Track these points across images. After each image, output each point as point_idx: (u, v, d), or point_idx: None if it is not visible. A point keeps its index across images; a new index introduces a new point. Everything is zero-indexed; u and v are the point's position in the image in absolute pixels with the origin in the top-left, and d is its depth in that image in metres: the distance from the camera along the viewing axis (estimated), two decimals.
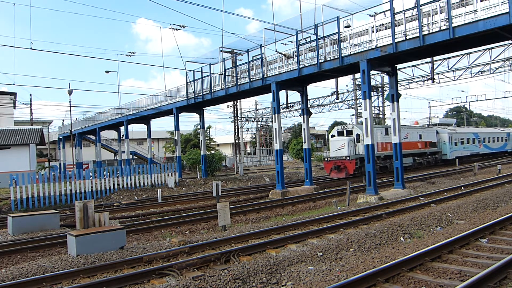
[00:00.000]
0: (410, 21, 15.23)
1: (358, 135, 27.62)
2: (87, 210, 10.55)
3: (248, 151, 70.22)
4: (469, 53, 28.54)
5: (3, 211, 19.00)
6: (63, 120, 51.85)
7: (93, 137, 47.52)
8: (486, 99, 45.10)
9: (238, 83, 22.99)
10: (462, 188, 18.73)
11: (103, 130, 42.83)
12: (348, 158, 26.77)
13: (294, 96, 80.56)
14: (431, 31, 14.46)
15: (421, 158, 34.07)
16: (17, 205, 18.96)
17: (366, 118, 16.90)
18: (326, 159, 29.36)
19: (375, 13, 18.65)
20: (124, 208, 17.89)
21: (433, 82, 32.13)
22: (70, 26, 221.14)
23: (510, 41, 20.51)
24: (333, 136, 29.40)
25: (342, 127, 29.50)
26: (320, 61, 18.17)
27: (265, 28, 20.39)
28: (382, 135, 29.20)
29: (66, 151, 52.13)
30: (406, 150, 29.96)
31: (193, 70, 26.58)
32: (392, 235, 9.48)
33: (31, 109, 43.53)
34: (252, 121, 54.64)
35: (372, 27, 16.43)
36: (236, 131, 42.81)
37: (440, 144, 36.59)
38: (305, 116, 21.69)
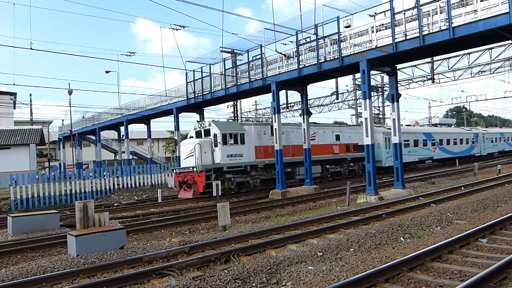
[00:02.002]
0: (410, 21, 15.24)
1: (215, 135, 20.36)
2: (87, 210, 10.56)
3: None
4: (469, 53, 28.53)
5: (3, 211, 19.01)
6: (63, 120, 51.91)
7: (93, 137, 47.51)
8: (486, 99, 44.86)
9: (238, 83, 22.99)
10: (462, 188, 18.74)
11: (103, 130, 42.81)
12: (195, 169, 19.27)
13: (294, 96, 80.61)
14: (431, 31, 14.46)
15: (338, 166, 26.43)
16: (17, 205, 18.96)
17: (366, 118, 16.93)
18: (174, 170, 21.11)
19: (375, 13, 18.66)
20: (124, 208, 17.90)
21: (433, 82, 32.11)
22: (70, 26, 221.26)
23: (510, 41, 20.50)
24: (191, 137, 21.92)
25: (200, 126, 21.48)
26: (320, 61, 18.18)
27: (265, 28, 20.41)
28: (267, 135, 22.53)
29: (66, 151, 52.14)
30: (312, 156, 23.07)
31: (193, 70, 26.58)
32: (392, 235, 9.48)
33: (31, 109, 43.55)
34: (252, 121, 54.63)
35: (372, 27, 16.44)
36: None
37: (375, 149, 28.87)
38: (305, 116, 21.68)
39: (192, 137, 21.74)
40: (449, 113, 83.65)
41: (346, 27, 17.85)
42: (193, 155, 19.67)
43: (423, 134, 34.23)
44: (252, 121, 29.54)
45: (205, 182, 19.14)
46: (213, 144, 20.33)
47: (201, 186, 19.18)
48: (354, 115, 39.17)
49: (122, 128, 39.14)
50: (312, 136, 24.04)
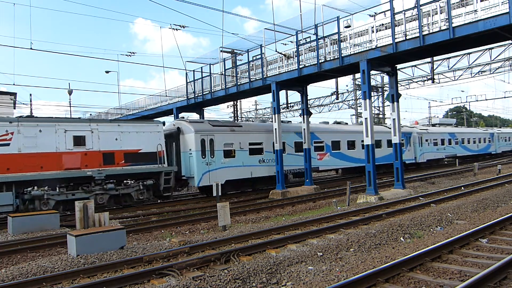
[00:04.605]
0: (410, 21, 15.25)
1: None
2: (87, 210, 10.57)
3: None
4: (469, 53, 28.51)
5: None
6: None
7: None
8: (486, 99, 44.75)
9: (238, 83, 22.98)
10: (462, 188, 18.75)
11: None
12: None
13: (294, 96, 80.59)
14: (431, 31, 14.47)
15: (81, 190, 15.55)
16: None
17: (366, 118, 16.94)
18: None
19: (375, 13, 18.66)
20: (124, 208, 17.88)
21: (433, 82, 32.09)
22: (70, 26, 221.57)
23: (510, 41, 20.52)
24: None
25: None
26: (320, 61, 18.18)
27: (265, 28, 20.41)
28: None
29: None
30: None
31: (193, 70, 26.57)
32: (392, 235, 9.49)
33: (31, 109, 43.34)
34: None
35: (372, 27, 16.45)
36: None
37: (187, 159, 19.08)
38: (305, 116, 21.67)
39: None
40: (449, 113, 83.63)
41: (346, 27, 17.86)
42: None
43: (295, 135, 22.69)
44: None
45: None
46: None
47: None
48: (354, 115, 39.19)
49: None
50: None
